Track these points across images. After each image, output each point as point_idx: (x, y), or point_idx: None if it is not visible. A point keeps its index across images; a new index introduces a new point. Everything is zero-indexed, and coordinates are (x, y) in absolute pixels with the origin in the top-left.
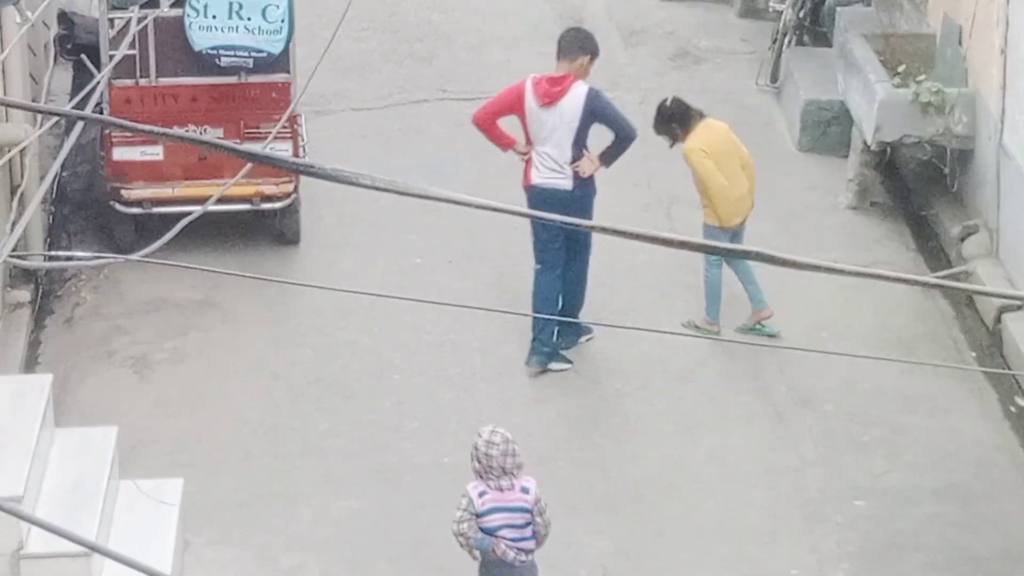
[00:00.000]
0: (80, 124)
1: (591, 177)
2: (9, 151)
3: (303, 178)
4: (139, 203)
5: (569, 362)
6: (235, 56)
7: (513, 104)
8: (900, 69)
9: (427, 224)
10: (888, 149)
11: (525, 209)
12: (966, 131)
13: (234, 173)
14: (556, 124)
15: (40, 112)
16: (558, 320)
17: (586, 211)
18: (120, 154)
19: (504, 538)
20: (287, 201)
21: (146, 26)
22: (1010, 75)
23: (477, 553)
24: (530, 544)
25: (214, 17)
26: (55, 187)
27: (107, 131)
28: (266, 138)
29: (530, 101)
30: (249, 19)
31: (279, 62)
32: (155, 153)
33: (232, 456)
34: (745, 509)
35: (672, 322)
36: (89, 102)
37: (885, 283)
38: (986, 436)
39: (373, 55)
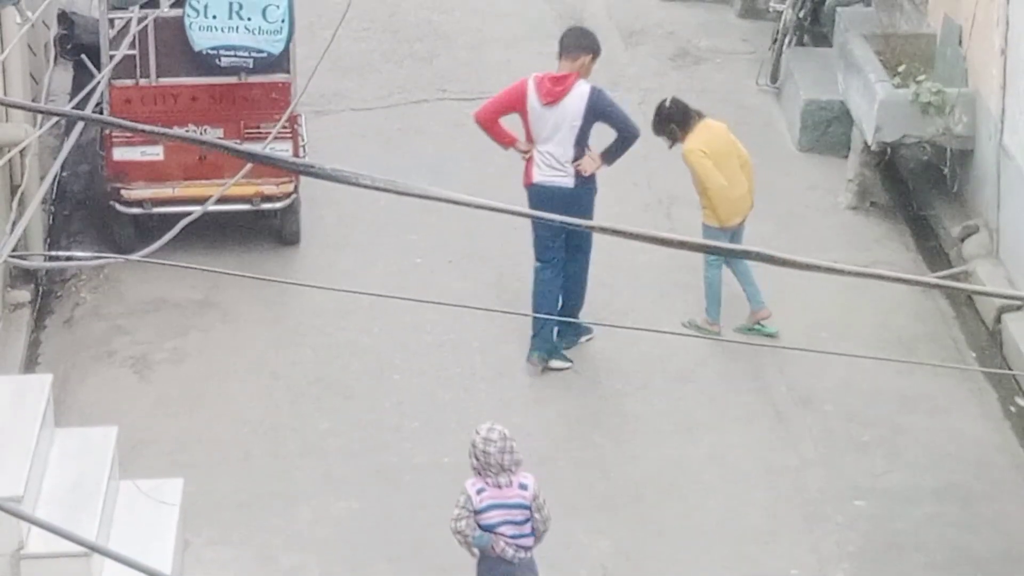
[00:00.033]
0: (80, 124)
1: (592, 175)
2: (9, 151)
3: (303, 178)
4: (139, 203)
5: (569, 361)
6: (235, 56)
7: (515, 103)
8: (900, 69)
9: (427, 224)
10: (888, 149)
11: (525, 209)
12: (966, 131)
13: (234, 173)
14: (559, 123)
15: (40, 112)
16: (558, 320)
17: (588, 209)
18: (120, 154)
19: (503, 535)
20: (287, 201)
21: (146, 26)
22: (1010, 75)
23: (476, 550)
24: (529, 541)
25: (214, 17)
26: (55, 187)
27: (107, 131)
28: (266, 138)
29: (533, 100)
30: (249, 19)
31: (279, 62)
32: (155, 153)
33: (232, 456)
34: (745, 509)
35: (672, 322)
36: (89, 102)
37: (885, 283)
38: (986, 436)
39: (373, 55)
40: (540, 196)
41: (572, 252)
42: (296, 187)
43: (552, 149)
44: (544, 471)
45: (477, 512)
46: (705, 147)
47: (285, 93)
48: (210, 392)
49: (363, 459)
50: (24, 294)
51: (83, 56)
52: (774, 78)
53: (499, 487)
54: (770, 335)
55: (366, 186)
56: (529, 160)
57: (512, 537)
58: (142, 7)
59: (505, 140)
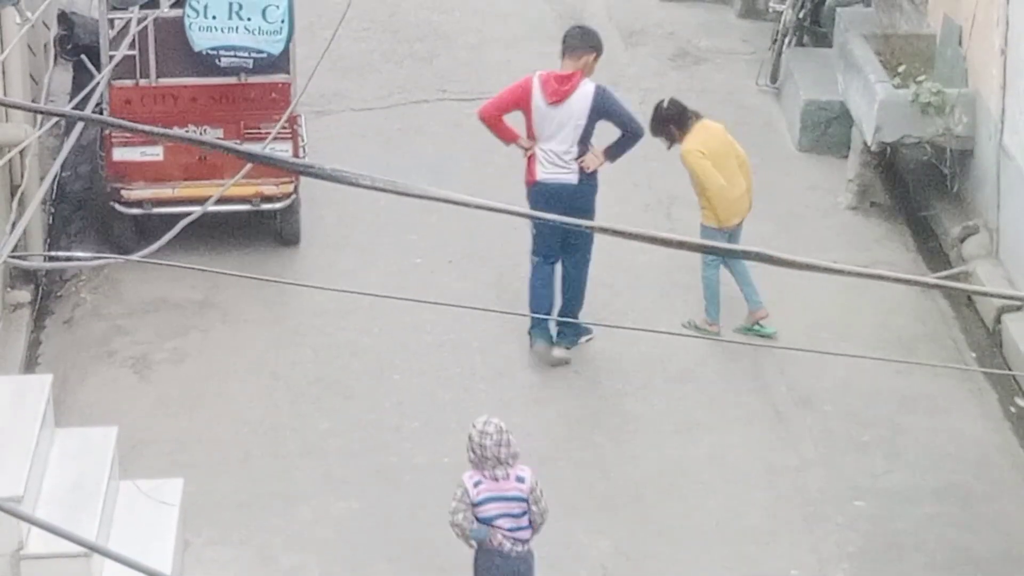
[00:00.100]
0: (80, 124)
1: (594, 171)
2: (9, 151)
3: (303, 178)
4: (139, 203)
5: (567, 361)
6: (235, 56)
7: (519, 101)
8: (900, 69)
9: (427, 224)
10: (888, 149)
11: (525, 209)
12: (966, 131)
13: (234, 173)
14: (564, 121)
15: (40, 112)
16: (558, 320)
17: (590, 205)
18: (120, 155)
19: (501, 528)
20: (287, 201)
21: (146, 26)
22: (1010, 75)
23: (473, 543)
24: (526, 534)
25: (214, 17)
26: (55, 187)
27: (107, 131)
28: (266, 138)
29: (538, 99)
30: (249, 19)
31: (279, 62)
32: (155, 154)
33: (232, 456)
34: (745, 509)
35: (672, 322)
36: (89, 102)
37: (885, 283)
38: (986, 436)
39: (373, 55)
40: (543, 194)
41: (571, 250)
42: (296, 187)
43: (555, 147)
44: (544, 471)
45: (474, 505)
46: (703, 148)
47: (285, 93)
48: (210, 392)
49: (363, 459)
50: (24, 294)
51: (83, 56)
52: (774, 78)
53: (496, 480)
54: (768, 335)
55: (366, 186)
56: (531, 158)
57: (509, 530)
58: (142, 7)
59: (508, 137)
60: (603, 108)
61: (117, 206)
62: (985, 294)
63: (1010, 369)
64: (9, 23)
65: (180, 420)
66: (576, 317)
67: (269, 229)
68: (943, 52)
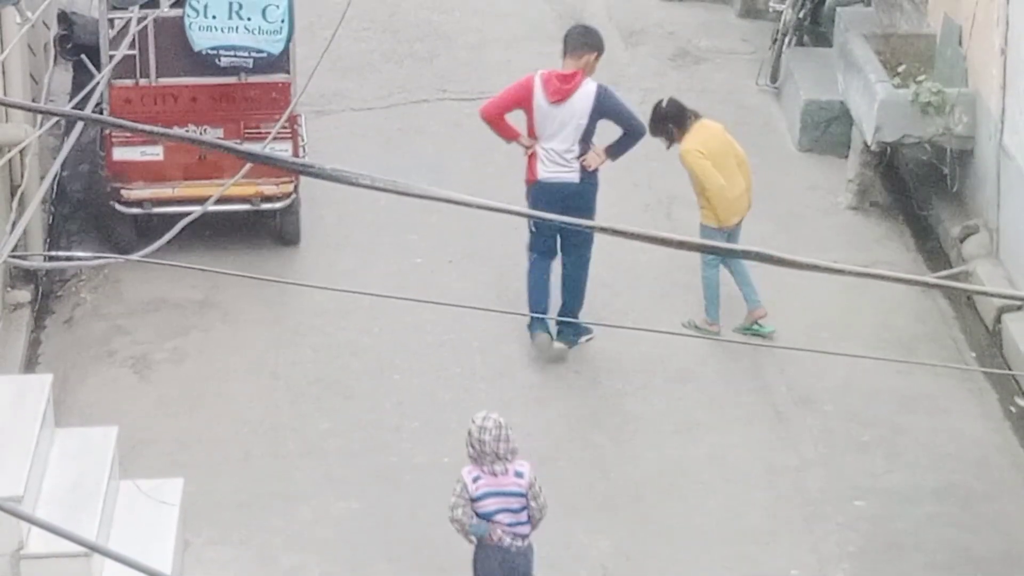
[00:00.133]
0: (80, 124)
1: (595, 170)
2: (9, 151)
3: (303, 178)
4: (139, 203)
5: (565, 356)
6: (235, 56)
7: (521, 100)
8: (900, 69)
9: (427, 224)
10: (888, 149)
11: (525, 209)
12: (966, 131)
13: (234, 173)
14: (565, 121)
15: (40, 112)
16: (558, 320)
17: (590, 202)
18: (120, 154)
19: (501, 523)
20: (287, 201)
21: (146, 26)
22: (1010, 75)
23: (473, 538)
24: (525, 529)
25: (214, 17)
26: (55, 187)
27: (107, 131)
28: (266, 138)
29: (539, 98)
30: (249, 19)
31: (279, 62)
32: (155, 153)
33: (232, 456)
34: (745, 509)
35: (672, 322)
36: (89, 102)
37: (885, 283)
38: (986, 436)
39: (373, 55)
40: (544, 192)
41: (571, 250)
42: (296, 187)
43: (556, 146)
44: (544, 471)
45: (473, 500)
46: (702, 147)
47: (285, 93)
48: (210, 392)
49: (363, 459)
50: (24, 294)
51: (83, 56)
52: (774, 78)
53: (495, 475)
54: (766, 334)
55: (366, 186)
56: (532, 156)
57: (509, 525)
58: (142, 7)
59: (509, 135)
60: (605, 107)
61: (117, 206)
62: (985, 294)
63: (1010, 369)
64: (9, 23)
65: (180, 420)
66: (576, 317)
67: (269, 229)
68: (943, 52)
